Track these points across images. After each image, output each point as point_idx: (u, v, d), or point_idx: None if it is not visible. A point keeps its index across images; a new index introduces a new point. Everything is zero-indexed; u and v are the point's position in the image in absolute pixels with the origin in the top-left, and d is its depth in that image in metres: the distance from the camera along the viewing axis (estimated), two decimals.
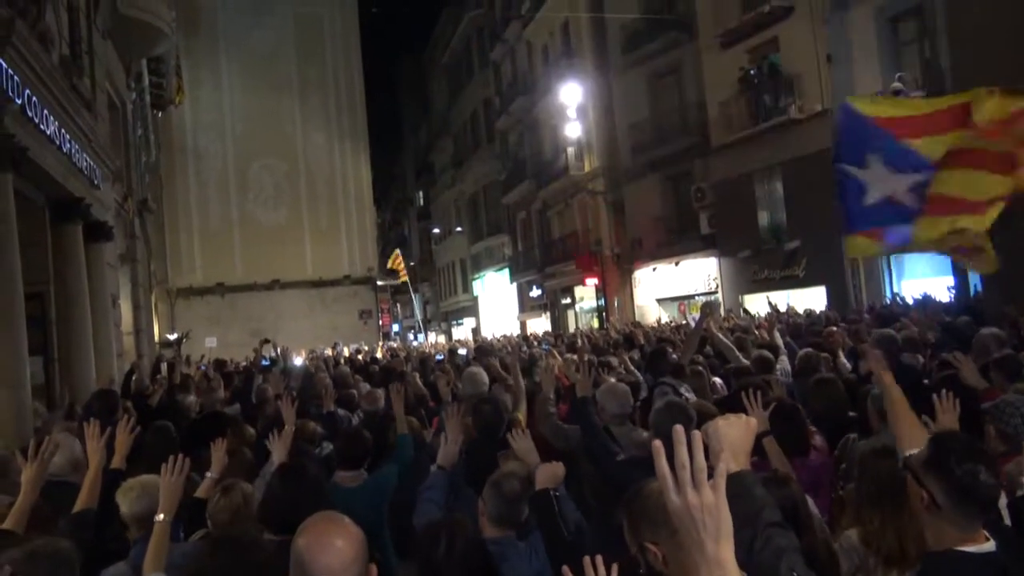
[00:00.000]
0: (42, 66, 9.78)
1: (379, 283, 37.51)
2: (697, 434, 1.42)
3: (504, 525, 3.35)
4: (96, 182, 12.92)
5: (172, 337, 23.98)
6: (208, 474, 4.02)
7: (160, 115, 26.45)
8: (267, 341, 13.16)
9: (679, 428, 1.40)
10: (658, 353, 8.14)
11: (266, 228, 35.12)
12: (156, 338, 22.15)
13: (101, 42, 14.84)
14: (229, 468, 4.24)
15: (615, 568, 1.67)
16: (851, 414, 4.89)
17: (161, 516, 3.18)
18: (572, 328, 28.05)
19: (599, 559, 1.66)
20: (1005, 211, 5.44)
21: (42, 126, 9.96)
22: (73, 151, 11.43)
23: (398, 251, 33.55)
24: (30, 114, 9.50)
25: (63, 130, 10.89)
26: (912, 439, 2.86)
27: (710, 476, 1.41)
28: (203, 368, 12.91)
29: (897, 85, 15.44)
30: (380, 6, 44.58)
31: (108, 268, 14.08)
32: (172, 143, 33.04)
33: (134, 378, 10.46)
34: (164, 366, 12.08)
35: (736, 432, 2.05)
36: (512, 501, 3.37)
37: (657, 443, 1.42)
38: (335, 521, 2.14)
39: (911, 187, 5.35)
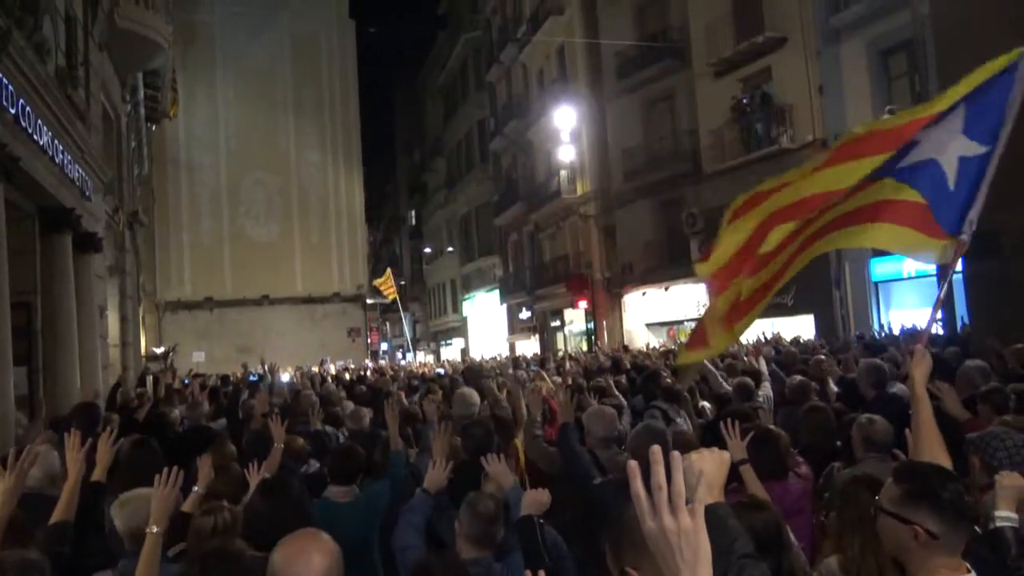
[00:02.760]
0: (37, 76, 9.80)
1: (368, 301, 37.46)
2: (676, 455, 1.35)
3: (481, 545, 3.35)
4: (87, 193, 12.91)
5: (159, 351, 23.85)
6: (194, 488, 3.99)
7: (154, 128, 26.49)
8: (246, 368, 13.26)
9: (656, 448, 1.33)
10: (650, 377, 8.18)
11: (257, 243, 35.09)
12: (143, 351, 22.02)
13: (97, 54, 14.88)
14: (219, 483, 4.21)
15: None
16: (838, 443, 4.90)
17: (154, 528, 3.15)
18: (561, 351, 28.06)
19: (541, 573, 1.63)
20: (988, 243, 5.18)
21: (35, 136, 9.96)
22: (65, 162, 11.43)
23: (389, 270, 33.39)
24: (23, 124, 9.50)
25: (56, 141, 10.89)
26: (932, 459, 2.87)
27: (688, 500, 1.34)
28: (186, 383, 12.84)
29: (887, 118, 15.59)
30: (377, 26, 44.87)
31: (96, 279, 14.03)
32: (165, 156, 33.06)
33: (120, 391, 10.40)
34: (149, 379, 12.02)
35: (710, 466, 2.06)
36: (488, 521, 3.38)
37: (633, 464, 1.36)
38: (312, 537, 2.14)
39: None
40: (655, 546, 1.35)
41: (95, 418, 6.84)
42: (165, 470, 3.34)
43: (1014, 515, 2.86)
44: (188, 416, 8.38)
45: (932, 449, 3.02)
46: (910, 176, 4.11)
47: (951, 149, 4.07)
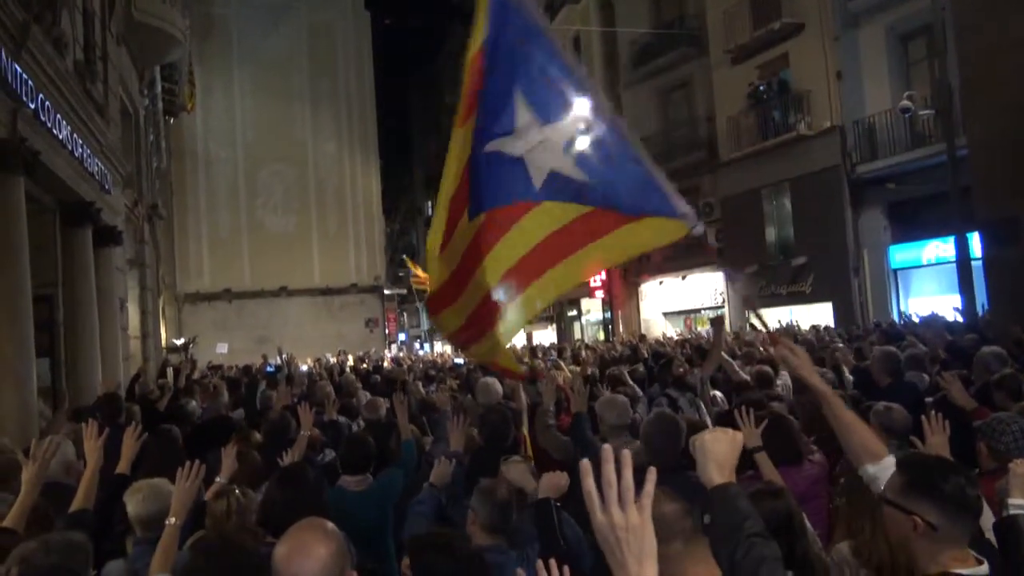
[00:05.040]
0: (56, 71, 9.89)
1: (386, 292, 37.55)
2: (626, 453, 1.40)
3: (495, 533, 3.36)
4: (107, 187, 13.02)
5: (179, 342, 24.04)
6: (217, 478, 4.06)
7: (172, 121, 26.66)
8: (265, 359, 13.38)
9: (607, 447, 1.39)
10: (665, 365, 8.21)
11: (275, 235, 35.23)
12: (163, 343, 22.23)
13: (115, 48, 14.98)
14: (237, 471, 4.28)
15: (567, 569, 1.68)
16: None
17: (173, 519, 3.22)
18: (578, 340, 28.04)
19: (552, 562, 1.67)
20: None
21: (55, 131, 10.06)
22: (85, 156, 11.53)
23: (409, 261, 33.16)
24: (43, 118, 9.60)
25: (75, 135, 11.00)
26: (871, 453, 2.74)
27: (637, 496, 1.38)
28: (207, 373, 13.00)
29: (906, 103, 15.47)
30: (393, 17, 44.81)
31: (116, 272, 14.17)
32: (183, 149, 33.23)
33: (139, 382, 10.52)
34: (170, 371, 12.15)
35: (722, 446, 2.08)
36: (503, 508, 3.39)
37: (585, 462, 1.41)
38: (313, 529, 2.17)
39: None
40: (603, 540, 1.40)
41: (117, 409, 6.96)
42: (188, 463, 3.40)
43: None
44: (207, 407, 8.48)
45: (863, 439, 2.82)
46: (559, 192, 3.82)
47: (550, 148, 3.80)
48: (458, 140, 4.11)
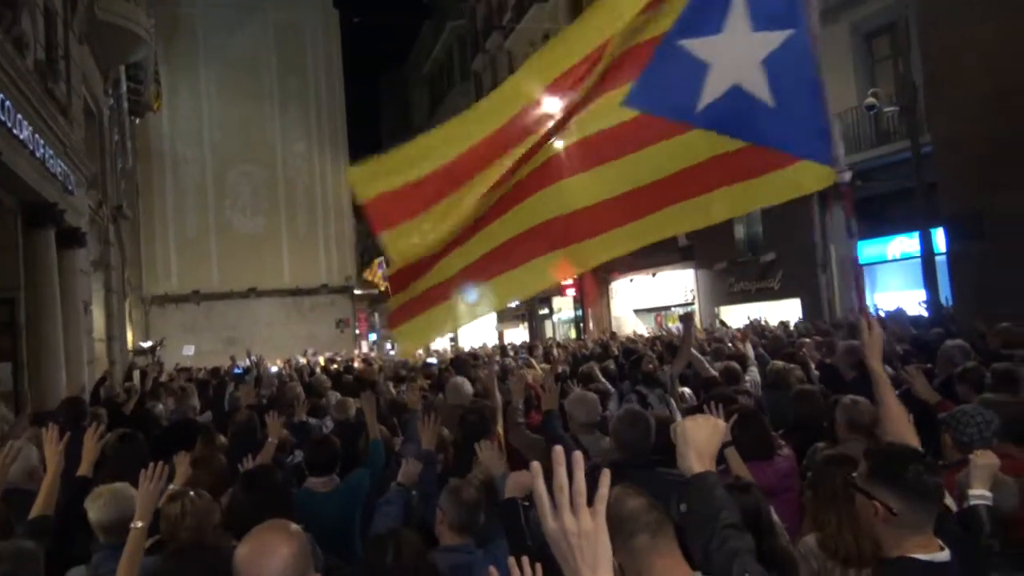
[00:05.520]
0: (16, 70, 9.71)
1: (357, 292, 37.37)
2: (578, 455, 1.32)
3: (463, 532, 3.36)
4: (70, 188, 12.82)
5: (146, 345, 23.74)
6: (171, 486, 4.00)
7: (137, 121, 26.29)
8: (233, 361, 13.24)
9: (558, 449, 1.31)
10: (635, 362, 8.24)
11: (243, 236, 34.93)
12: (129, 345, 21.93)
13: (78, 47, 14.74)
14: (199, 476, 4.22)
15: (539, 568, 1.64)
16: (824, 425, 4.94)
17: (138, 523, 3.15)
18: (549, 338, 28.10)
19: (524, 559, 1.63)
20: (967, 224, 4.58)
21: (15, 130, 9.87)
22: (47, 156, 11.34)
23: (379, 259, 32.88)
24: (3, 118, 9.42)
25: (37, 135, 10.80)
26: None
27: (590, 502, 1.32)
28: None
29: (871, 100, 15.66)
30: (361, 15, 44.57)
31: (80, 274, 13.95)
32: (149, 149, 32.85)
33: (105, 385, 10.36)
34: (136, 374, 11.99)
35: (703, 434, 2.08)
36: (470, 508, 3.39)
37: (536, 464, 1.35)
38: (275, 531, 2.14)
39: None
40: (555, 547, 1.33)
41: (81, 413, 6.85)
42: (151, 465, 3.34)
43: (988, 493, 2.90)
44: (175, 410, 8.38)
45: (899, 428, 3.03)
46: (718, 120, 3.58)
47: (745, 60, 3.53)
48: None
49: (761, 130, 3.53)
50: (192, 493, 3.45)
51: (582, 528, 1.30)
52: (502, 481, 3.80)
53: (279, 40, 36.16)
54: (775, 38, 3.49)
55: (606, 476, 1.36)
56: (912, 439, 2.93)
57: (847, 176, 3.44)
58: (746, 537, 2.10)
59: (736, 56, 3.51)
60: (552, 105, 3.72)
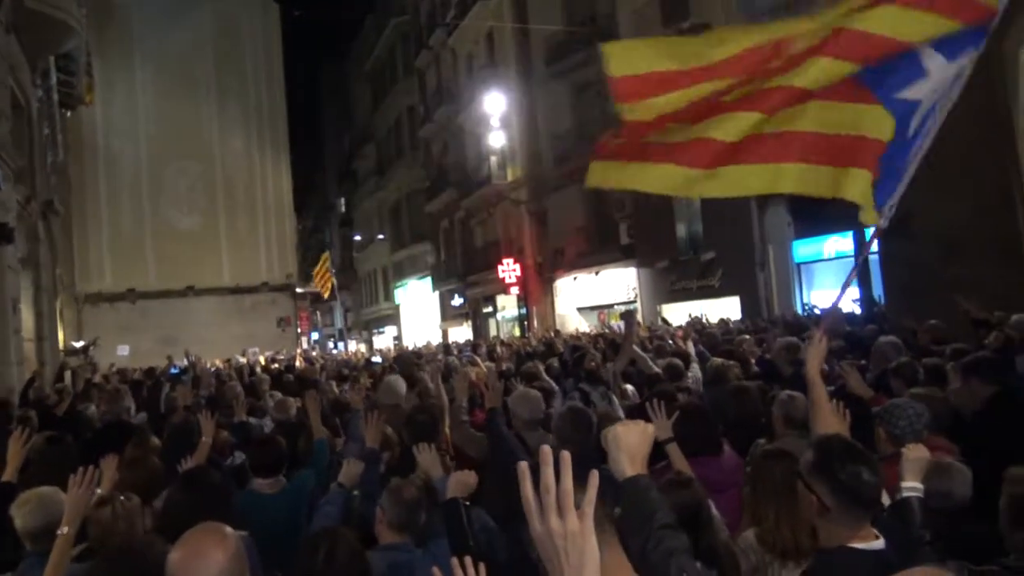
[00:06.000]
0: None
1: (299, 290, 36.89)
2: (566, 455, 1.31)
3: (402, 531, 3.35)
4: None
5: (78, 345, 23.05)
6: (97, 490, 3.88)
7: (69, 115, 25.50)
8: (170, 360, 12.95)
9: (546, 449, 1.31)
10: (579, 359, 8.29)
11: (181, 233, 34.18)
12: (61, 345, 21.27)
13: (4, 36, 14.25)
14: (131, 479, 4.10)
15: (483, 568, 1.62)
16: (763, 420, 5.02)
17: (65, 529, 3.06)
18: (494, 337, 28.13)
19: (468, 560, 1.61)
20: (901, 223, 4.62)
21: None
22: None
23: (326, 254, 32.22)
24: None
25: None
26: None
27: (578, 503, 1.31)
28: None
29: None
30: (302, 9, 43.94)
31: (8, 272, 13.49)
32: (82, 144, 31.89)
33: (34, 387, 10.04)
34: (68, 374, 11.63)
35: (633, 438, 2.10)
36: (411, 507, 3.37)
37: (523, 465, 1.34)
38: (210, 534, 2.09)
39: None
40: (542, 549, 1.32)
41: (8, 416, 6.62)
42: (80, 470, 3.23)
43: (920, 485, 2.99)
44: (109, 411, 8.15)
45: (828, 426, 3.10)
46: (898, 108, 3.64)
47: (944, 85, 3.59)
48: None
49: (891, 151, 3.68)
50: (121, 497, 3.35)
51: (568, 529, 1.29)
52: (442, 483, 3.78)
53: (217, 33, 35.46)
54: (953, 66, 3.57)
55: (594, 477, 1.36)
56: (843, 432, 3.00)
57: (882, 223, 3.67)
58: (681, 536, 2.13)
59: (938, 84, 3.60)
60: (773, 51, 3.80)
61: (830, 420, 3.16)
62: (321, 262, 31.02)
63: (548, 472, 1.29)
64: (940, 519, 3.18)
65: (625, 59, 4.02)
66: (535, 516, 1.31)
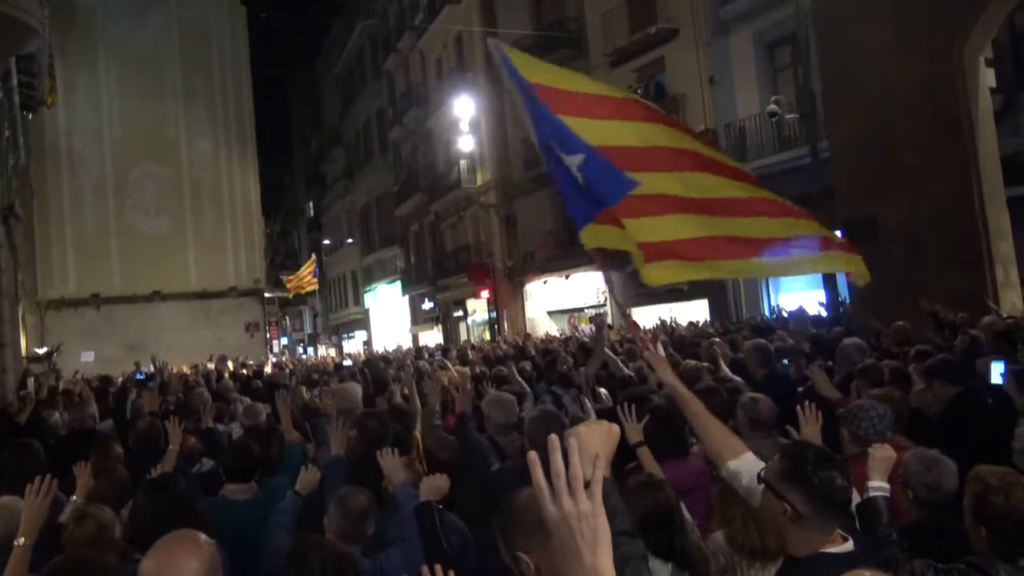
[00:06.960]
0: None
1: (267, 295, 36.56)
2: (573, 440, 1.39)
3: (348, 541, 3.32)
4: None
5: (41, 351, 22.66)
6: (72, 498, 3.81)
7: (31, 117, 25.05)
8: (138, 366, 12.77)
9: (554, 437, 1.38)
10: (551, 363, 8.31)
11: (146, 237, 33.69)
12: (23, 352, 20.89)
13: None
14: (99, 488, 4.04)
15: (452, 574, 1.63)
16: (731, 422, 5.07)
17: (22, 540, 2.98)
18: (464, 341, 28.10)
19: (438, 568, 1.63)
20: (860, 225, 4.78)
21: None
22: None
23: (313, 257, 31.80)
24: None
25: None
26: (731, 449, 2.92)
27: (586, 484, 1.38)
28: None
29: (773, 107, 16.21)
30: (270, 12, 43.63)
31: None
32: (44, 146, 31.33)
33: None
34: (31, 381, 11.43)
35: (597, 438, 2.10)
36: (356, 517, 3.35)
37: (532, 454, 1.40)
38: (184, 542, 2.05)
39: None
40: (556, 530, 1.38)
41: None
42: (37, 478, 3.16)
43: (885, 485, 3.04)
44: (73, 418, 8.02)
45: (721, 439, 3.03)
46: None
47: None
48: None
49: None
50: (94, 509, 3.30)
51: (581, 509, 1.36)
52: (402, 488, 3.77)
53: (183, 36, 35.04)
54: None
55: (600, 460, 1.43)
56: (729, 451, 2.93)
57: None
58: (637, 543, 2.14)
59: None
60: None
61: (718, 433, 3.07)
62: (307, 264, 30.82)
63: (557, 458, 1.36)
64: (926, 511, 3.24)
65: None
66: (547, 500, 1.37)
